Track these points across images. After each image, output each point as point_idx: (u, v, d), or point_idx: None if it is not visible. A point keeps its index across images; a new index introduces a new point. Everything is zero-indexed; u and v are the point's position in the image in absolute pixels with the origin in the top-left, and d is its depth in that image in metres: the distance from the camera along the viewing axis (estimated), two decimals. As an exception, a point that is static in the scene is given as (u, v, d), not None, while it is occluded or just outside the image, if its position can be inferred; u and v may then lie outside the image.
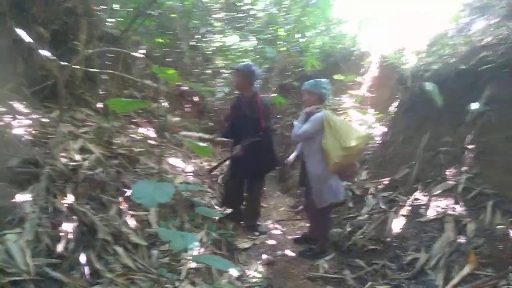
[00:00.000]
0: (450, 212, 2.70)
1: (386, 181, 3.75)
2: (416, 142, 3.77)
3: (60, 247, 2.02)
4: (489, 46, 3.39)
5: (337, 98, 6.79)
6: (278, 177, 7.50)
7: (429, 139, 3.51)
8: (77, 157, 2.86)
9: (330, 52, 8.65)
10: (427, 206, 2.91)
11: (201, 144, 1.81)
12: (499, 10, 4.30)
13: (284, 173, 7.55)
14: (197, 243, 1.57)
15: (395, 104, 6.01)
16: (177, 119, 3.49)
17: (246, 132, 3.45)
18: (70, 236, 2.11)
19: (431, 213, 2.81)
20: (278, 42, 8.09)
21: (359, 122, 6.35)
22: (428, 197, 3.00)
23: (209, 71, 7.70)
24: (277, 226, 4.00)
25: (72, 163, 2.71)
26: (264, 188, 3.84)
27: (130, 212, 2.70)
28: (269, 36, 8.30)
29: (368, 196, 3.73)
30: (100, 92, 4.25)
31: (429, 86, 3.02)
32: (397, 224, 2.97)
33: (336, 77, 6.26)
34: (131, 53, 2.98)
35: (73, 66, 3.06)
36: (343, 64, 7.72)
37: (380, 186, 3.75)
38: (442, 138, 3.42)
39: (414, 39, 6.18)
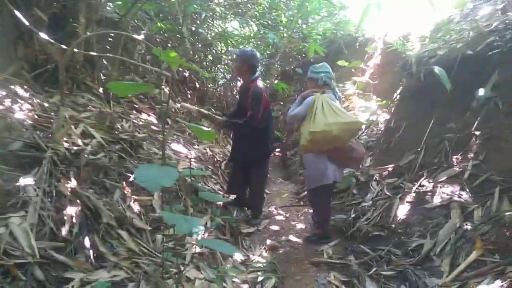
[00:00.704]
0: (456, 198, 2.67)
1: (390, 167, 3.72)
2: (421, 129, 3.73)
3: (64, 231, 2.01)
4: (496, 31, 3.32)
5: (340, 85, 6.72)
6: (281, 163, 7.49)
7: (434, 125, 3.47)
8: (79, 141, 2.83)
9: (333, 39, 8.54)
10: (432, 192, 2.89)
11: (205, 128, 1.78)
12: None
13: (286, 160, 7.55)
14: (201, 227, 1.55)
15: (399, 90, 5.98)
16: (182, 104, 3.46)
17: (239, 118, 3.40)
18: (74, 220, 2.10)
19: (436, 200, 2.79)
20: (280, 28, 7.99)
21: (362, 109, 6.32)
22: (433, 183, 2.97)
23: (210, 57, 7.61)
24: (280, 212, 3.99)
25: (74, 148, 2.68)
26: (267, 175, 3.75)
27: (134, 197, 2.68)
28: (271, 22, 8.20)
29: (373, 182, 3.71)
30: (101, 77, 4.20)
31: (438, 70, 2.95)
32: (402, 211, 2.95)
33: (340, 63, 6.18)
34: (132, 35, 2.91)
35: (74, 50, 3.00)
36: (347, 51, 7.63)
37: (385, 173, 3.73)
38: (448, 124, 3.38)
39: (418, 25, 6.09)
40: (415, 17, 6.48)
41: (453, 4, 5.43)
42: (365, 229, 3.07)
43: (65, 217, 2.07)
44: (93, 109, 3.53)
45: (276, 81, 7.68)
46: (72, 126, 2.96)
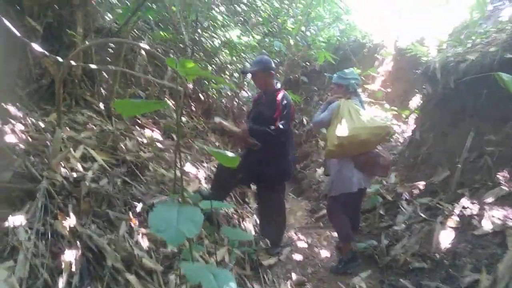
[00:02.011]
0: (511, 224, 2.34)
1: (421, 185, 3.39)
2: (452, 141, 3.42)
3: (61, 283, 1.66)
4: (537, 32, 3.02)
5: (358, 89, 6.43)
6: (291, 177, 7.15)
7: (469, 137, 3.15)
8: (79, 166, 2.49)
9: (339, 46, 8.27)
10: (480, 216, 2.55)
11: (229, 153, 1.45)
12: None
13: (296, 173, 7.20)
14: (233, 285, 1.20)
15: (415, 99, 5.67)
16: (218, 120, 3.09)
17: None
18: (74, 267, 1.75)
19: (486, 225, 2.45)
20: (284, 35, 7.71)
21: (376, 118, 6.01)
22: (478, 205, 2.63)
23: (214, 67, 7.32)
24: (300, 236, 3.64)
25: (74, 174, 2.35)
26: (283, 200, 3.33)
27: (142, 230, 2.34)
28: (275, 29, 7.93)
29: (402, 202, 3.36)
30: (102, 92, 3.87)
31: (506, 77, 2.54)
32: (446, 237, 2.60)
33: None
34: (136, 42, 2.60)
35: (72, 63, 2.68)
36: (354, 58, 7.35)
37: (415, 191, 3.39)
38: (486, 136, 3.06)
39: (432, 29, 5.82)
40: (427, 21, 6.19)
41: (471, 6, 5.15)
42: (403, 258, 2.71)
43: (63, 264, 1.72)
44: (93, 127, 3.20)
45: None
46: (71, 149, 2.62)
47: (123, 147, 3.20)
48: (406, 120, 5.18)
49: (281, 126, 2.89)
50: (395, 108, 5.47)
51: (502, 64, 3.04)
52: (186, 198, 1.79)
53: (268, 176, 3.07)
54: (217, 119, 3.10)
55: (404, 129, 5.17)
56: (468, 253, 2.39)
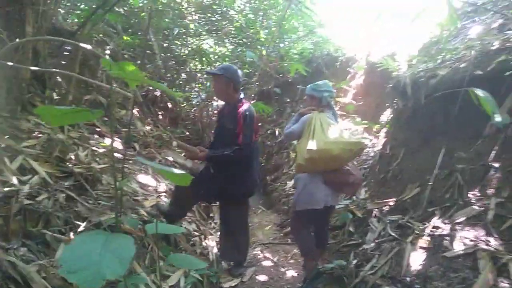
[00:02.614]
0: (483, 246, 2.23)
1: (391, 201, 3.27)
2: (422, 158, 3.33)
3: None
4: (507, 49, 3.00)
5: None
6: (261, 190, 6.95)
7: (439, 154, 3.07)
8: (14, 180, 2.20)
9: (311, 58, 8.26)
10: (451, 237, 2.42)
11: (178, 171, 1.25)
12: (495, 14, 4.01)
13: (266, 186, 7.02)
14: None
15: (386, 113, 5.64)
16: (179, 143, 2.83)
17: (220, 147, 2.81)
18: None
19: (458, 247, 2.33)
20: (257, 46, 7.61)
21: (346, 131, 5.94)
22: (450, 225, 2.52)
23: (184, 76, 7.09)
24: (266, 254, 3.43)
25: (5, 189, 2.05)
26: (247, 217, 3.13)
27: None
28: (248, 40, 7.82)
29: (372, 219, 3.23)
30: (54, 97, 3.57)
31: (482, 93, 2.41)
32: (416, 259, 2.47)
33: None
34: (78, 43, 2.35)
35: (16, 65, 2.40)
36: (327, 70, 7.33)
37: (385, 208, 3.27)
38: (455, 154, 2.98)
39: (403, 45, 5.85)
40: (398, 36, 6.23)
41: (441, 23, 5.19)
42: (372, 281, 2.55)
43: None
44: (40, 135, 2.89)
45: (253, 101, 7.24)
46: (7, 159, 2.32)
47: (73, 157, 2.91)
48: (377, 134, 5.11)
49: (243, 142, 2.69)
50: (366, 122, 5.41)
51: (474, 81, 2.99)
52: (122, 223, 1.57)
53: (232, 193, 2.86)
54: (169, 156, 2.89)
55: (375, 143, 5.10)
56: (439, 277, 2.25)
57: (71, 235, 2.09)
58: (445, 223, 2.57)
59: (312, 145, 2.61)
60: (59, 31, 3.78)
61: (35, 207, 2.09)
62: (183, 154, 2.93)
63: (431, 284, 2.23)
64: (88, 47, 2.03)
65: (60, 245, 2.00)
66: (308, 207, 2.75)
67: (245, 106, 2.81)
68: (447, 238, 2.44)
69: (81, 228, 2.15)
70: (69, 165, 2.77)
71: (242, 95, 2.90)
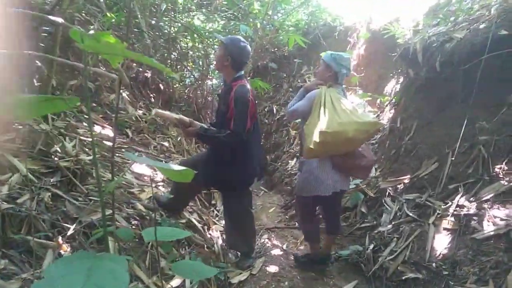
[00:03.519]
0: (517, 225, 2.03)
1: (406, 179, 3.05)
2: (439, 130, 3.09)
3: None
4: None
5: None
6: (263, 177, 6.74)
7: (459, 126, 2.82)
8: (-10, 181, 1.94)
9: (307, 30, 7.87)
10: (479, 216, 2.22)
11: (177, 167, 1.00)
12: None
13: (266, 166, 6.80)
14: None
15: (390, 84, 5.36)
16: (157, 111, 2.49)
17: (218, 129, 2.48)
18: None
19: (488, 227, 2.12)
20: (250, 20, 7.21)
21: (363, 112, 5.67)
22: (476, 203, 2.31)
23: (175, 54, 6.72)
24: (274, 242, 3.22)
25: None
26: (251, 207, 2.86)
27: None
28: (240, 13, 7.40)
29: (386, 199, 3.02)
30: (35, 83, 3.26)
31: None
32: (441, 242, 2.27)
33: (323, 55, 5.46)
34: (43, 15, 2.04)
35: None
36: (325, 42, 6.97)
37: (399, 186, 3.05)
38: (476, 124, 2.74)
39: (408, 9, 5.52)
40: (400, 2, 5.89)
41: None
42: (393, 267, 2.36)
43: None
44: (19, 127, 2.61)
45: (249, 78, 6.92)
46: (-19, 158, 2.05)
47: (59, 150, 2.64)
48: (383, 107, 4.85)
49: (235, 129, 2.35)
50: (369, 94, 5.13)
51: (496, 42, 2.71)
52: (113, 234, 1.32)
53: (229, 181, 2.58)
54: (154, 110, 2.53)
55: (381, 117, 4.85)
56: (469, 261, 2.05)
57: (60, 239, 1.85)
58: (470, 201, 2.36)
59: (324, 126, 2.28)
60: (34, 10, 3.41)
61: (16, 211, 1.84)
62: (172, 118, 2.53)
63: (461, 270, 2.04)
64: (60, 20, 1.73)
65: (47, 253, 1.77)
66: (315, 193, 2.53)
67: (239, 88, 2.44)
68: (475, 218, 2.24)
69: (70, 231, 1.90)
70: (55, 159, 2.51)
71: (241, 73, 2.58)
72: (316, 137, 2.29)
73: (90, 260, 0.81)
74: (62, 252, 1.82)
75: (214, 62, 2.82)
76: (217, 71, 5.78)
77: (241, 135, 2.34)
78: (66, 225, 1.95)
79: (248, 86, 2.50)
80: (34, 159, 2.34)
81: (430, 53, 3.33)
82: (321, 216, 2.98)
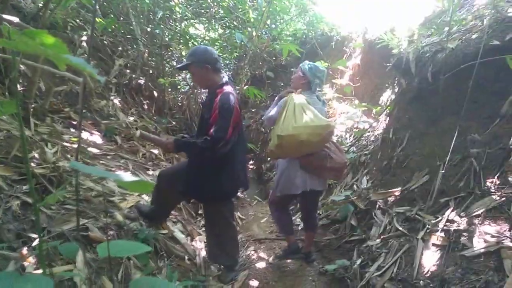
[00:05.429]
0: (507, 243, 1.92)
1: (397, 191, 2.95)
2: (431, 141, 3.01)
3: None
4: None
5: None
6: (256, 178, 6.65)
7: (451, 137, 2.74)
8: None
9: (305, 39, 7.87)
10: (469, 232, 2.12)
11: (136, 179, 0.91)
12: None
13: (261, 174, 6.72)
14: None
15: (386, 94, 5.30)
16: (142, 133, 2.41)
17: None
18: None
19: (478, 244, 2.02)
20: (247, 28, 7.19)
21: (345, 115, 5.60)
22: (466, 218, 2.21)
23: (170, 62, 6.69)
24: (261, 254, 3.12)
25: None
26: (232, 219, 2.74)
27: (39, 271, 1.73)
28: (237, 21, 7.38)
29: (376, 211, 2.92)
30: (19, 89, 3.20)
31: None
32: (430, 259, 2.17)
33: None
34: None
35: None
36: (321, 51, 6.94)
37: (390, 198, 2.96)
38: (468, 136, 2.66)
39: (401, 20, 5.48)
40: (396, 12, 5.85)
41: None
42: (380, 284, 2.26)
43: None
44: (-2, 132, 2.54)
45: (245, 87, 6.86)
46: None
47: (37, 156, 2.56)
48: (377, 117, 4.78)
49: (211, 131, 2.25)
50: (365, 104, 5.06)
51: (488, 52, 2.65)
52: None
53: (209, 192, 2.46)
54: (138, 132, 2.48)
55: (375, 127, 4.78)
56: (458, 280, 1.95)
57: (24, 250, 1.76)
58: (460, 216, 2.26)
59: (280, 130, 2.48)
60: (16, 13, 3.38)
61: (-20, 220, 1.75)
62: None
63: (449, 289, 1.93)
64: (16, 19, 1.66)
65: (9, 264, 1.67)
66: (286, 192, 2.73)
67: (224, 95, 2.34)
68: (465, 234, 2.14)
69: (35, 242, 1.81)
70: (32, 165, 2.43)
71: (225, 78, 2.50)
72: (274, 140, 2.51)
73: (10, 282, 0.73)
74: (26, 264, 1.73)
75: (196, 83, 2.82)
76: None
77: (218, 141, 2.24)
78: (32, 235, 1.86)
79: (234, 94, 2.41)
80: (7, 166, 2.26)
81: (422, 63, 3.27)
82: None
